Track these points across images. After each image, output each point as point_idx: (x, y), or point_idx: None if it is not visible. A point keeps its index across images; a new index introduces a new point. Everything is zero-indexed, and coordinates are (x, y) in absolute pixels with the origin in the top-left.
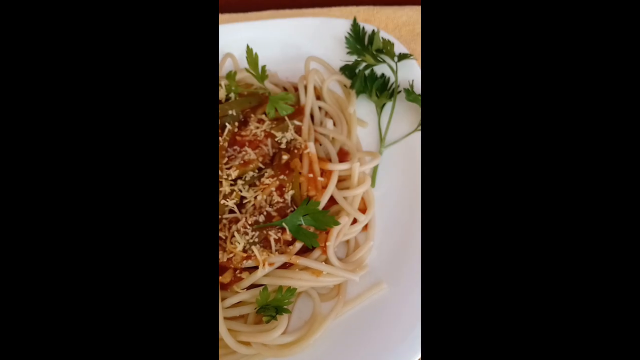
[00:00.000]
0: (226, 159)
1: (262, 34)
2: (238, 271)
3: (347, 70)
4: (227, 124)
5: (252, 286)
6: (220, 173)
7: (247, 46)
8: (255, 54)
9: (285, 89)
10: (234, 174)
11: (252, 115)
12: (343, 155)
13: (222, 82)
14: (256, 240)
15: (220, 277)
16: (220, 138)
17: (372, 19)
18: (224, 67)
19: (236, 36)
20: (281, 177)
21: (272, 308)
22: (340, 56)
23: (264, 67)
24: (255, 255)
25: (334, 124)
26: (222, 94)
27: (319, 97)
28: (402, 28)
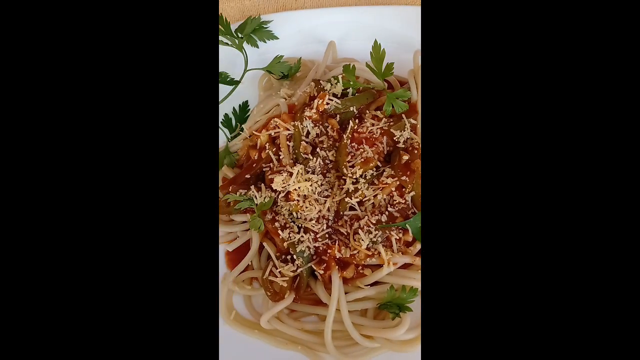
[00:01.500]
0: (349, 157)
1: (361, 20)
2: (360, 267)
3: None
4: (350, 120)
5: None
6: (345, 171)
7: (375, 41)
8: (383, 49)
9: (389, 83)
10: (358, 172)
11: (367, 111)
12: None
13: (339, 76)
14: (379, 239)
15: (343, 272)
16: (344, 135)
17: None
18: (329, 56)
19: (333, 21)
20: (403, 177)
21: (394, 305)
22: None
23: (390, 64)
24: (377, 253)
25: None
26: (338, 88)
27: None
28: None
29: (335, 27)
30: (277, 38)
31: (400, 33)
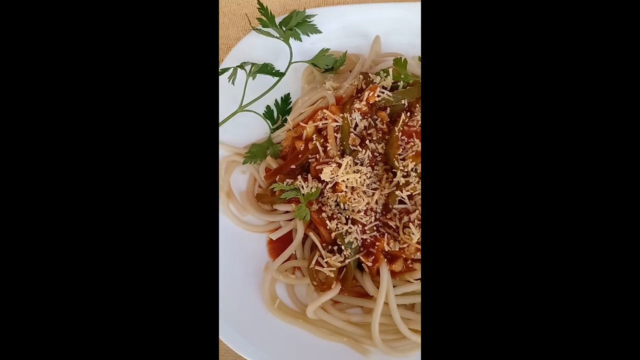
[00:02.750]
0: (401, 149)
1: (401, 15)
2: (409, 261)
3: None
4: (402, 113)
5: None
6: (396, 164)
7: None
8: None
9: None
10: (411, 164)
11: (417, 105)
12: None
13: (389, 69)
14: None
15: (392, 265)
16: (395, 127)
17: None
18: (375, 50)
19: (379, 17)
20: None
21: None
22: None
23: None
24: None
25: None
26: (388, 81)
27: None
28: None
29: (378, 23)
30: (320, 32)
31: None
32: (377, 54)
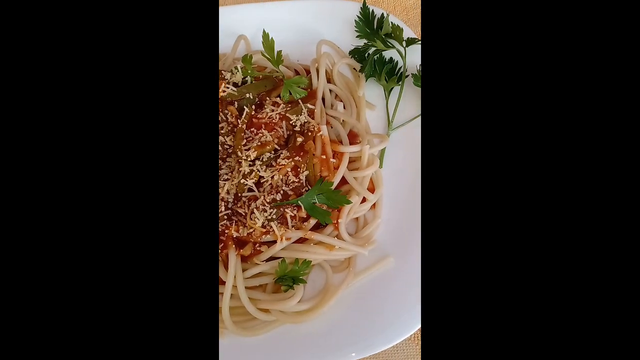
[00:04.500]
0: (244, 140)
1: (274, 16)
2: (257, 245)
3: (357, 54)
4: (245, 107)
5: (270, 258)
6: (239, 154)
7: (264, 31)
8: (272, 38)
9: (297, 72)
10: (252, 154)
11: (268, 98)
12: (352, 137)
13: (238, 65)
14: (274, 217)
15: (241, 250)
16: (239, 120)
17: (381, 1)
18: (238, 49)
19: (248, 17)
20: (296, 158)
21: (289, 278)
22: (350, 39)
23: (279, 51)
24: (273, 231)
25: (344, 107)
26: (238, 77)
27: (329, 79)
28: (410, 11)
29: (251, 23)
30: None
31: (309, 26)
32: (249, 52)
